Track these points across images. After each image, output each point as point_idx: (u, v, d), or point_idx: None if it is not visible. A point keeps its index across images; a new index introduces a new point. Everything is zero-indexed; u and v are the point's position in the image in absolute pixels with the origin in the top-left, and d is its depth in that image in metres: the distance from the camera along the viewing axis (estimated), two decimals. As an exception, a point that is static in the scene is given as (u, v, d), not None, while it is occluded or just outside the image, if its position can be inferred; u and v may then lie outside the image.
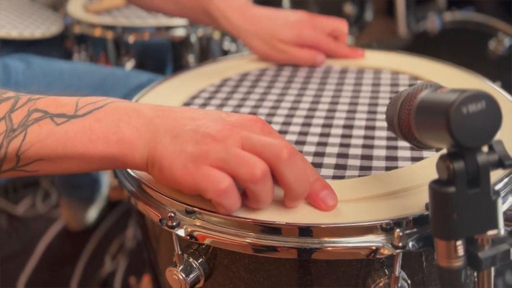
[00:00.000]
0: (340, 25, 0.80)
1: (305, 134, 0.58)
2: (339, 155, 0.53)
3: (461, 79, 0.69)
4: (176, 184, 0.44)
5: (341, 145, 0.55)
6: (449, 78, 0.70)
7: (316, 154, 0.54)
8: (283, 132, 0.59)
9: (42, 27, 1.10)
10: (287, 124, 0.61)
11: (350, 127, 0.59)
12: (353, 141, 0.56)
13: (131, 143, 0.45)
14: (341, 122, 0.61)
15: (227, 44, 1.13)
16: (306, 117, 0.63)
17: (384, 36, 1.89)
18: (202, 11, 0.80)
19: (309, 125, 0.60)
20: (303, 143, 0.56)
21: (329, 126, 0.60)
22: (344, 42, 0.80)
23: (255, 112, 0.65)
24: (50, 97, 0.47)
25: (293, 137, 0.58)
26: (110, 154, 0.46)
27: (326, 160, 0.53)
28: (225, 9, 0.77)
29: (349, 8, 1.40)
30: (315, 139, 0.57)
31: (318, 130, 0.59)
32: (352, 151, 0.54)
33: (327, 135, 0.58)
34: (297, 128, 0.60)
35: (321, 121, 0.61)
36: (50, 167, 0.47)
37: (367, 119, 0.61)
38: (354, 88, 0.70)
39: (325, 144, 0.56)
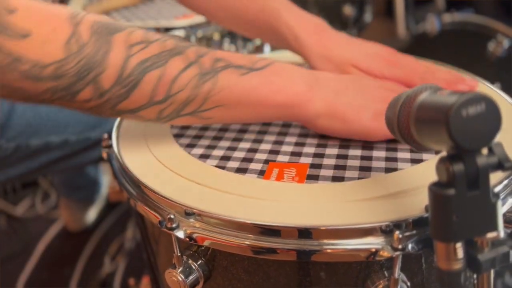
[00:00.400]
0: (426, 71, 0.64)
1: (305, 136, 0.58)
2: (339, 156, 0.53)
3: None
4: (363, 133, 0.54)
5: (341, 146, 0.55)
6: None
7: (316, 155, 0.54)
8: (282, 134, 0.59)
9: None
10: (287, 126, 0.61)
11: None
12: (353, 142, 0.56)
13: (304, 97, 0.53)
14: None
15: (227, 46, 1.12)
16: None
17: (383, 37, 1.89)
18: (267, 27, 0.69)
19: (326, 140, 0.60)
20: (302, 144, 0.56)
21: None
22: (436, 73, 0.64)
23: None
24: (220, 51, 0.52)
25: (292, 139, 0.58)
26: (285, 105, 0.53)
27: (326, 161, 0.53)
28: (296, 27, 0.67)
29: (348, 9, 1.40)
30: (315, 140, 0.57)
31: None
32: (351, 152, 0.54)
33: (327, 136, 0.58)
34: (296, 130, 0.60)
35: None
36: (226, 114, 0.53)
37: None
38: None
39: (325, 146, 0.56)
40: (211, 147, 0.57)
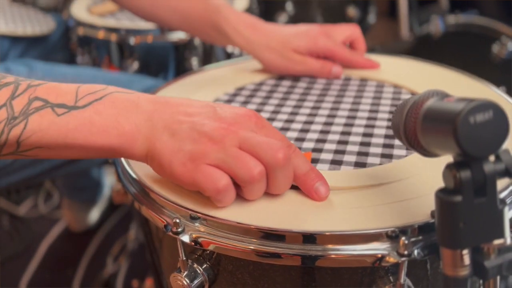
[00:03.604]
0: (353, 31, 0.77)
1: (323, 141, 0.58)
2: (357, 164, 0.53)
3: (466, 85, 0.69)
4: (176, 180, 0.47)
5: (359, 154, 0.55)
6: (455, 84, 0.69)
7: (333, 162, 0.53)
8: (300, 140, 0.58)
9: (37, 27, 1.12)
10: (305, 131, 0.60)
11: (370, 135, 0.59)
12: (371, 149, 0.55)
13: (130, 137, 0.47)
14: (361, 129, 0.60)
15: (231, 47, 1.13)
16: (325, 123, 0.62)
17: (387, 39, 1.88)
18: (209, 24, 0.76)
19: (327, 132, 0.60)
20: (320, 150, 0.56)
21: (348, 133, 0.59)
22: (362, 49, 0.78)
23: (273, 118, 0.64)
24: (50, 83, 0.48)
25: (310, 144, 0.57)
26: (110, 146, 0.47)
27: (343, 168, 0.52)
28: (236, 22, 0.74)
29: (352, 11, 1.39)
30: (333, 146, 0.57)
31: (336, 137, 0.59)
32: (370, 160, 0.53)
33: (345, 143, 0.57)
34: (314, 135, 0.59)
35: (340, 128, 0.61)
36: (49, 154, 0.48)
37: (387, 127, 0.60)
38: (373, 101, 0.68)
39: (343, 152, 0.55)
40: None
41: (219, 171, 0.44)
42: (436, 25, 1.23)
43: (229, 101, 0.70)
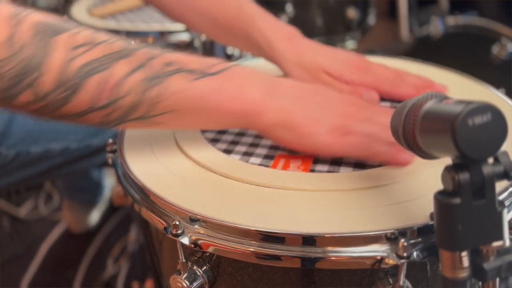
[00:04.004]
0: (395, 75, 0.66)
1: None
2: (356, 165, 0.53)
3: (466, 86, 0.69)
4: (318, 149, 0.51)
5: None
6: (454, 86, 0.69)
7: (333, 162, 0.53)
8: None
9: None
10: None
11: None
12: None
13: (259, 105, 0.50)
14: None
15: (231, 49, 1.12)
16: None
17: (386, 40, 1.88)
18: (240, 33, 0.70)
19: None
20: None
21: None
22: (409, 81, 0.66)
23: None
24: (179, 53, 0.50)
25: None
26: (241, 112, 0.50)
27: (342, 170, 0.52)
28: (269, 33, 0.67)
29: (351, 12, 1.39)
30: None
31: None
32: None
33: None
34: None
35: None
36: (178, 120, 0.50)
37: None
38: None
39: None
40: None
41: (363, 136, 0.50)
42: (435, 26, 1.23)
43: None
